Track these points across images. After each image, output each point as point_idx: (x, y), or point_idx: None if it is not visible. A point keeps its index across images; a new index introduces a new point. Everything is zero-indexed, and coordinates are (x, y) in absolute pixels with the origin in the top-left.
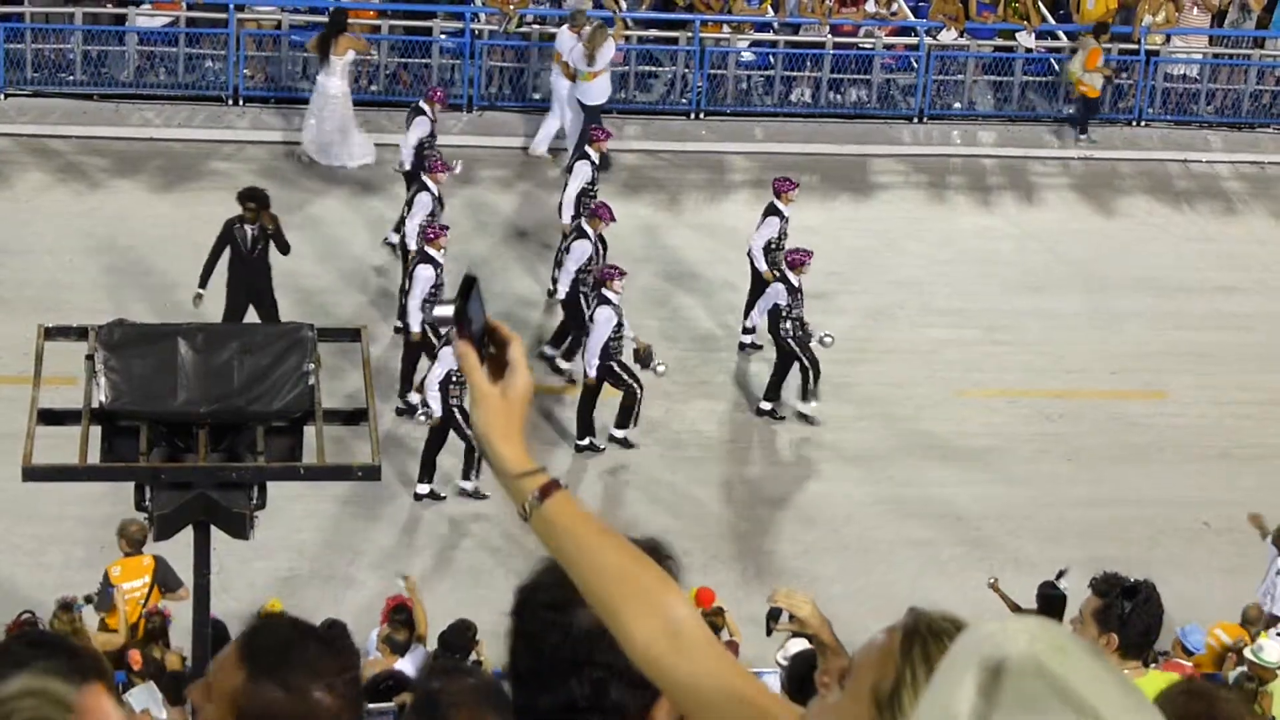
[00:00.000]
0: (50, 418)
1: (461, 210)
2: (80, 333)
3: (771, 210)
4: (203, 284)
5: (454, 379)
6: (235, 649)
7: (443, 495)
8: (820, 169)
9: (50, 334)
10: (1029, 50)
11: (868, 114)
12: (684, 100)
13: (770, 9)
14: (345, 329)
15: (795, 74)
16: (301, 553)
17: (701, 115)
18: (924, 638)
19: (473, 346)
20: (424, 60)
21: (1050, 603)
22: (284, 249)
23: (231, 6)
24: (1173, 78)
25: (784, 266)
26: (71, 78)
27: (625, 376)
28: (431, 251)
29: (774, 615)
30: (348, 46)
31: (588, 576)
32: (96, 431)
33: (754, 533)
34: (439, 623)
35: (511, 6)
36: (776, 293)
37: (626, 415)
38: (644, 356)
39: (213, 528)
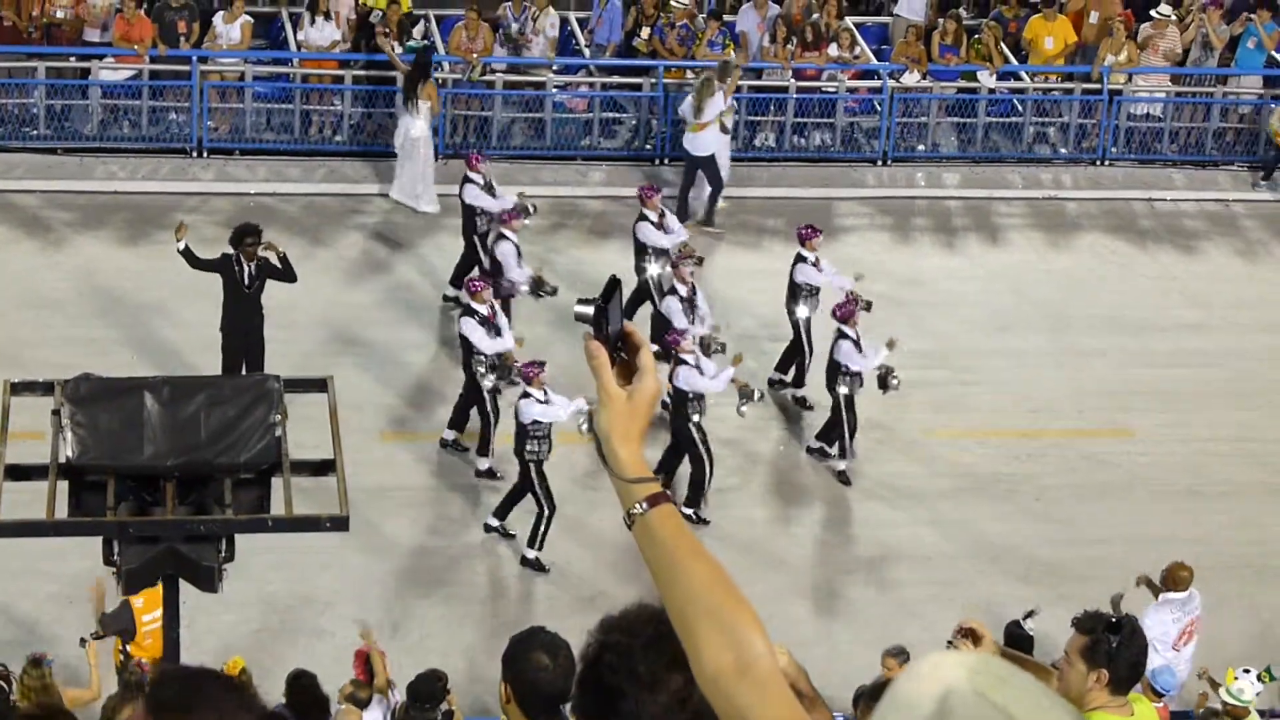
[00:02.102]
0: (17, 473)
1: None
2: (46, 388)
3: (800, 259)
4: (190, 257)
5: (532, 433)
6: (143, 701)
7: (512, 533)
8: (785, 213)
9: (16, 389)
10: (991, 91)
11: (832, 157)
12: (649, 146)
13: (733, 54)
14: (312, 379)
15: (759, 118)
16: (271, 605)
17: (666, 161)
18: None
19: (606, 348)
20: (388, 110)
21: (1018, 643)
22: (291, 278)
23: (194, 59)
24: (1136, 117)
25: (836, 321)
26: (35, 132)
27: (700, 444)
28: (477, 305)
29: None
30: (427, 94)
31: (675, 592)
32: (64, 486)
33: None
34: (408, 673)
35: (475, 55)
36: (848, 353)
37: (696, 492)
38: (746, 393)
39: (182, 581)
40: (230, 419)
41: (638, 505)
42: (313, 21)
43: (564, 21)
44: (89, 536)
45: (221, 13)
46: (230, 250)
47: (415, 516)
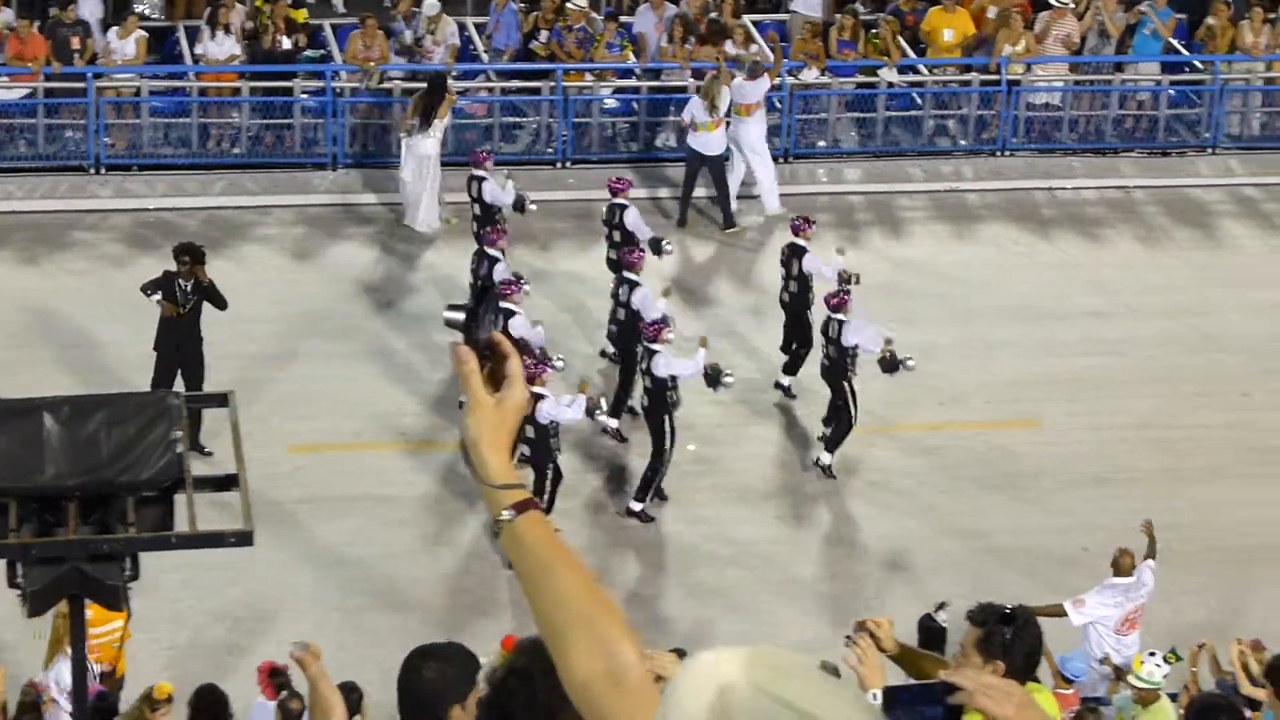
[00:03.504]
0: None
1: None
2: None
3: (801, 250)
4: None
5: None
6: None
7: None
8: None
9: None
10: (891, 85)
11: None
12: (550, 150)
13: (631, 55)
14: (213, 395)
15: (659, 119)
16: (181, 623)
17: (568, 164)
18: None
19: (476, 354)
20: (286, 120)
21: (930, 635)
22: (221, 305)
23: (90, 75)
24: (1035, 106)
25: (828, 311)
26: None
27: (667, 440)
28: (509, 305)
29: None
30: (446, 110)
31: (544, 600)
32: None
33: (643, 580)
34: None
35: (372, 63)
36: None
37: (645, 487)
38: (712, 376)
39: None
40: (130, 437)
41: (505, 512)
42: (212, 35)
43: (461, 27)
44: None
45: (115, 28)
46: (171, 270)
47: (329, 528)
